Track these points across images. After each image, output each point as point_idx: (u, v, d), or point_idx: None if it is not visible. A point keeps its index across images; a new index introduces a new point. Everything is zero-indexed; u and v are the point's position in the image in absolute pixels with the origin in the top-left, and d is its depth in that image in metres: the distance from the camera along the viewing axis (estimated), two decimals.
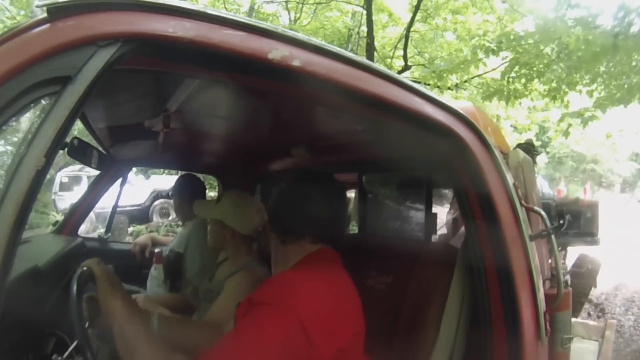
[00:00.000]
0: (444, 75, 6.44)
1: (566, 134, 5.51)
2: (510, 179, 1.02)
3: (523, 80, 6.15)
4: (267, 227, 1.09)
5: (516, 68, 5.91)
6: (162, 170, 10.04)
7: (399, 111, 0.89)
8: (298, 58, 0.74)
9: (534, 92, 6.67)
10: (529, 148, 1.37)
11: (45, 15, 0.59)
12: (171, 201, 9.44)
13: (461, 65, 6.50)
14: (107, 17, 0.61)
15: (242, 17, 0.72)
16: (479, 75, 7.16)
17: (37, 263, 1.34)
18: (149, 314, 1.13)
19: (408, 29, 6.94)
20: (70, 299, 0.93)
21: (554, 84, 5.85)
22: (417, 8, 6.75)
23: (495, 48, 5.48)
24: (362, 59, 0.85)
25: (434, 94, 0.98)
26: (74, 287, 0.95)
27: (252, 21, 0.72)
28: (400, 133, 1.04)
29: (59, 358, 1.02)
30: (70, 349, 0.99)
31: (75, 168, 9.12)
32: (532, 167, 1.26)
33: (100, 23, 0.61)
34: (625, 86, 5.02)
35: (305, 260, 1.00)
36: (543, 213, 1.05)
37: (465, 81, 7.25)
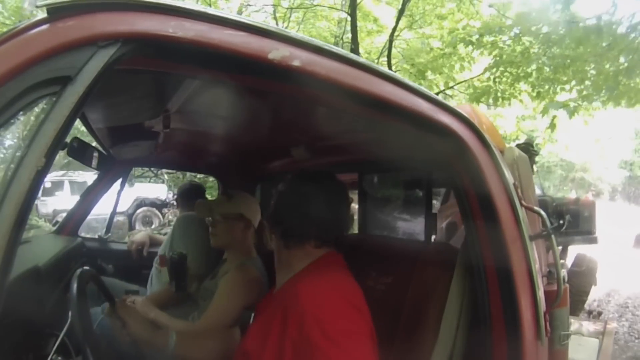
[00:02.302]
0: (425, 73, 6.28)
1: (552, 126, 5.26)
2: (510, 179, 1.02)
3: (510, 80, 6.01)
4: (270, 231, 1.05)
5: (501, 68, 5.78)
6: (147, 178, 10.02)
7: (399, 111, 0.89)
8: (298, 58, 0.74)
9: (523, 93, 6.53)
10: (527, 148, 1.37)
11: (45, 15, 0.59)
12: (154, 209, 9.46)
13: (440, 59, 6.31)
14: (107, 17, 0.61)
15: (242, 18, 0.72)
16: (465, 81, 7.10)
17: (37, 263, 1.34)
18: (167, 332, 1.15)
19: (392, 34, 6.91)
20: (70, 299, 0.93)
21: (542, 85, 5.71)
22: (401, 12, 6.70)
23: (475, 41, 5.31)
24: (362, 59, 0.85)
25: (433, 94, 0.98)
26: (74, 287, 0.96)
27: (253, 21, 0.72)
28: (400, 133, 1.04)
29: (59, 358, 1.02)
30: (58, 342, 0.99)
31: (58, 173, 9.10)
32: (528, 164, 1.26)
33: (100, 23, 0.61)
34: (616, 91, 4.97)
35: (311, 267, 0.97)
36: (543, 213, 1.05)
37: (452, 87, 7.20)
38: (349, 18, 7.04)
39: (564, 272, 1.09)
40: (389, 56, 6.83)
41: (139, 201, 9.65)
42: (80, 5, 0.60)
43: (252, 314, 1.09)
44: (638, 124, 21.64)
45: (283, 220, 1.00)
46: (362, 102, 0.85)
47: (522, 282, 1.00)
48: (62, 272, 1.62)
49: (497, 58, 5.77)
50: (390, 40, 6.85)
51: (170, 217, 9.80)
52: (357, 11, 6.73)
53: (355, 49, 6.51)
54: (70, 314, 0.93)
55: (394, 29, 6.88)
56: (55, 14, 0.59)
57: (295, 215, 0.99)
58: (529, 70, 5.73)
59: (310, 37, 0.79)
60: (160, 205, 9.98)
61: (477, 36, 5.38)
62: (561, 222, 1.04)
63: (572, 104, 4.71)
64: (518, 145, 1.36)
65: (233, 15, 0.71)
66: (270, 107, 1.24)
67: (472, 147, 0.97)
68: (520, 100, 6.91)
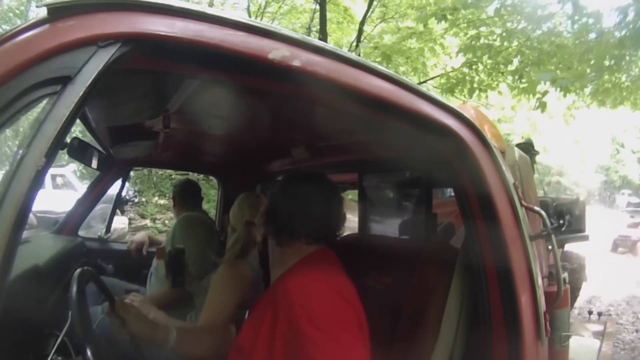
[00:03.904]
0: (391, 57, 5.67)
1: (542, 105, 4.76)
2: (510, 179, 1.02)
3: (488, 68, 5.53)
4: (265, 229, 1.10)
5: (479, 52, 5.27)
6: None
7: (399, 111, 0.89)
8: (298, 58, 0.74)
9: (502, 84, 6.03)
10: (528, 148, 1.37)
11: (45, 15, 0.59)
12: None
13: (408, 40, 5.72)
14: (107, 17, 0.61)
15: (242, 17, 0.72)
16: (439, 76, 6.76)
17: (37, 263, 1.34)
18: (167, 329, 1.16)
19: (362, 23, 6.75)
20: (70, 299, 0.93)
21: (524, 70, 5.16)
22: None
23: (448, 15, 4.79)
24: (362, 59, 0.85)
25: (433, 94, 0.98)
26: (74, 287, 0.96)
27: (252, 21, 0.72)
28: (400, 133, 1.04)
29: (59, 358, 1.02)
30: (58, 342, 0.99)
31: None
32: (529, 165, 1.26)
33: (100, 23, 0.61)
34: (601, 88, 4.80)
35: (302, 263, 1.00)
36: (543, 213, 1.05)
37: (424, 81, 6.93)
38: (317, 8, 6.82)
39: (564, 273, 1.09)
40: (357, 45, 6.51)
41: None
42: (80, 5, 0.60)
43: (247, 312, 1.11)
44: (615, 129, 22.03)
45: (275, 219, 1.04)
46: (362, 102, 0.85)
47: (522, 282, 1.00)
48: (62, 272, 1.62)
49: (474, 42, 5.22)
50: (360, 29, 6.67)
51: (131, 215, 9.64)
52: (328, 2, 6.54)
53: (323, 39, 6.29)
54: (70, 314, 0.93)
55: (364, 17, 6.73)
56: (55, 14, 0.59)
57: (285, 214, 1.03)
58: (510, 57, 5.28)
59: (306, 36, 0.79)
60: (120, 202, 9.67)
61: (449, 11, 4.82)
62: (561, 222, 1.04)
63: (564, 80, 4.26)
64: (518, 145, 1.36)
65: (233, 15, 0.71)
66: (270, 107, 1.24)
67: (472, 147, 0.97)
68: (499, 92, 6.45)
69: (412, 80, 6.55)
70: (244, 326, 1.04)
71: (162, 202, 8.77)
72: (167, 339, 1.13)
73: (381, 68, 0.88)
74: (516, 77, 5.38)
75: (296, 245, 1.01)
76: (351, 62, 0.81)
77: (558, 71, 4.95)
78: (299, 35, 0.77)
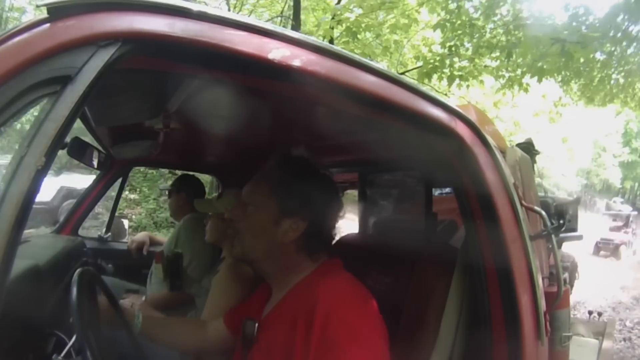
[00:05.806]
0: (359, 35, 5.09)
1: (539, 71, 4.54)
2: (510, 179, 1.02)
3: (469, 51, 5.06)
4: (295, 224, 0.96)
5: (459, 32, 4.80)
6: (77, 166, 9.18)
7: (399, 111, 0.89)
8: (298, 58, 0.74)
9: (485, 75, 5.62)
10: (528, 147, 1.37)
11: (45, 15, 0.59)
12: None
13: (377, 12, 5.14)
14: (107, 17, 0.61)
15: (242, 17, 0.72)
16: (417, 68, 6.33)
17: (37, 263, 1.34)
18: (133, 312, 1.13)
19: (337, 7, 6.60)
20: (70, 298, 0.93)
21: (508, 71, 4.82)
22: None
23: None
24: (362, 58, 0.85)
25: (433, 93, 0.98)
26: (74, 287, 0.95)
27: (253, 21, 0.72)
28: (400, 132, 1.04)
29: (59, 358, 1.02)
30: (68, 346, 0.99)
31: None
32: (530, 165, 1.26)
33: (100, 23, 0.61)
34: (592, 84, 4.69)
35: (323, 271, 0.95)
36: (543, 213, 1.05)
37: (404, 73, 6.59)
38: None
39: (565, 274, 1.09)
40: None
41: (64, 192, 7.93)
42: (80, 5, 0.60)
43: (256, 324, 1.02)
44: (597, 133, 22.26)
45: (310, 222, 0.93)
46: (362, 101, 0.85)
47: (522, 282, 1.00)
48: (62, 272, 1.61)
49: (454, 18, 4.78)
50: (335, 15, 6.53)
51: (99, 209, 9.27)
52: None
53: (296, 26, 5.99)
54: (70, 313, 0.93)
55: (339, 1, 6.50)
56: (55, 14, 0.59)
57: (327, 218, 0.96)
58: (494, 40, 4.83)
59: (309, 36, 0.79)
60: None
61: None
62: (561, 222, 1.04)
63: (573, 35, 3.90)
64: (519, 145, 1.36)
65: (233, 15, 0.71)
66: (270, 107, 1.24)
67: (472, 146, 0.97)
68: (481, 82, 5.93)
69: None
70: (257, 347, 0.97)
71: (132, 196, 8.35)
72: (132, 322, 1.10)
73: (382, 67, 0.88)
74: (503, 59, 4.86)
75: (315, 255, 0.95)
76: (351, 62, 0.81)
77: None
78: (299, 35, 0.77)
